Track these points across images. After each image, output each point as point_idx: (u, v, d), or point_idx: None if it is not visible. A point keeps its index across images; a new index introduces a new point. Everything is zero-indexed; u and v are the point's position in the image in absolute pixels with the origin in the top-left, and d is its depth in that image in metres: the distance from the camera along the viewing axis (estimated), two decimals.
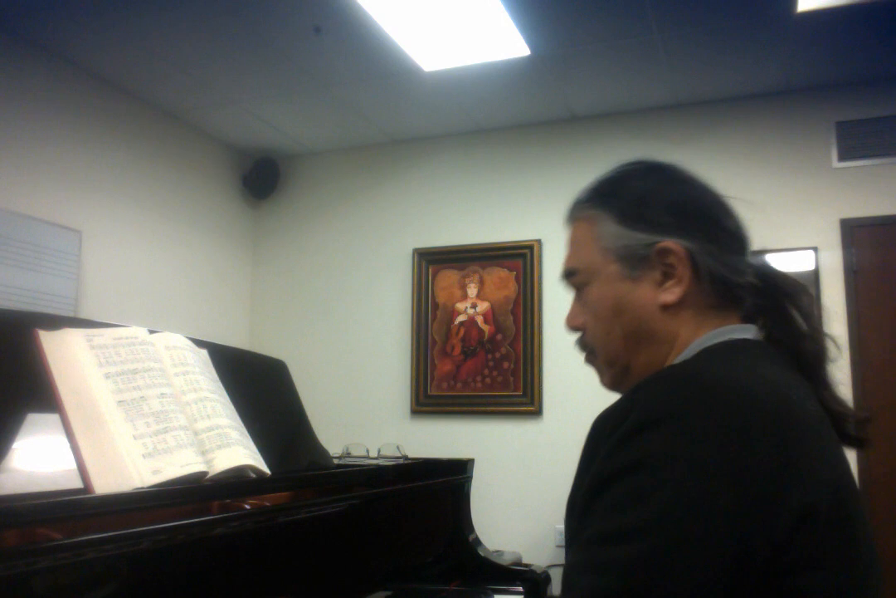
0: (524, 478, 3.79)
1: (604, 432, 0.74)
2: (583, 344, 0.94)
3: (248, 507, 1.17)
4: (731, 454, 0.66)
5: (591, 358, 0.94)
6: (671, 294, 0.84)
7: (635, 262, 0.86)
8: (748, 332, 0.85)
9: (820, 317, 0.89)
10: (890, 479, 3.30)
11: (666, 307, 0.85)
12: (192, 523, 1.00)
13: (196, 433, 1.19)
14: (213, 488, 1.15)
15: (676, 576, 0.64)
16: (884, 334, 3.40)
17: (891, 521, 3.25)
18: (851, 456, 3.62)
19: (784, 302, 0.87)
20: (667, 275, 0.85)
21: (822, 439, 0.73)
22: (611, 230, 0.87)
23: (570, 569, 0.69)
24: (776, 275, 0.89)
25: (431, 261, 4.16)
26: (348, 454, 2.12)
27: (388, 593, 1.43)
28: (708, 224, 0.86)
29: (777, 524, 0.65)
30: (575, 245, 0.93)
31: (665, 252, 0.84)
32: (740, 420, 0.68)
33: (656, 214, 0.86)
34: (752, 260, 0.89)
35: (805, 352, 0.84)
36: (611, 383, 0.93)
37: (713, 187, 0.91)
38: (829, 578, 0.68)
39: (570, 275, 0.93)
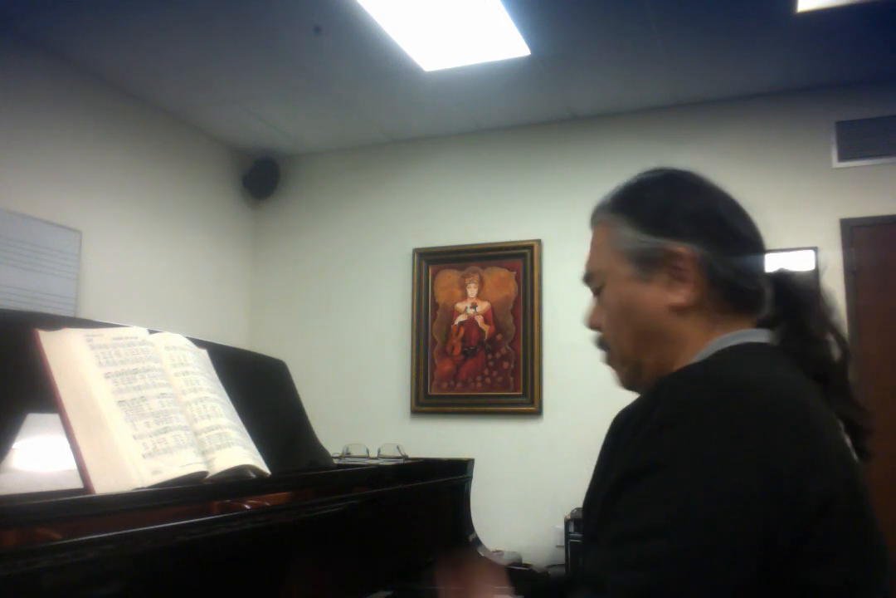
0: (524, 478, 3.79)
1: (626, 429, 0.75)
2: (601, 343, 0.97)
3: (248, 507, 1.17)
4: (754, 449, 0.68)
5: (608, 357, 0.97)
6: (679, 296, 0.87)
7: (646, 264, 0.89)
8: (762, 336, 0.87)
9: (834, 324, 0.90)
10: (890, 479, 3.29)
11: (674, 308, 0.88)
12: (192, 523, 1.00)
13: (196, 433, 1.19)
14: (213, 488, 1.15)
15: (711, 569, 0.65)
16: (884, 334, 3.40)
17: (891, 519, 3.25)
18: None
19: (798, 311, 0.89)
20: (676, 278, 0.87)
21: (835, 437, 0.76)
22: (626, 234, 0.91)
23: (601, 568, 0.69)
24: (792, 283, 0.91)
25: (431, 261, 4.16)
26: (348, 454, 2.12)
27: (388, 593, 1.43)
28: (723, 232, 0.89)
29: (799, 515, 0.67)
30: (594, 248, 0.97)
31: (674, 255, 0.87)
32: (760, 416, 0.71)
33: (672, 220, 0.89)
34: (769, 268, 0.92)
35: (818, 360, 0.86)
36: (625, 382, 0.96)
37: (731, 194, 0.94)
38: (844, 571, 0.69)
39: (588, 278, 0.97)
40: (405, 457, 2.05)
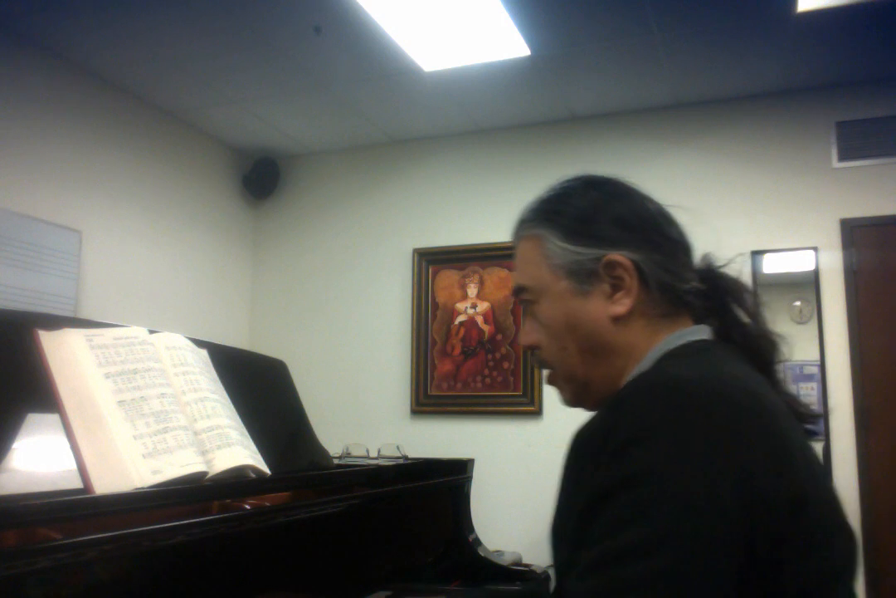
0: (524, 478, 3.79)
1: (589, 451, 0.73)
2: (540, 361, 0.94)
3: (248, 507, 1.17)
4: (724, 456, 0.67)
5: (551, 375, 0.95)
6: (621, 306, 0.86)
7: (584, 276, 0.87)
8: (704, 333, 0.87)
9: (763, 314, 0.91)
10: (890, 478, 3.29)
11: (617, 319, 0.86)
12: (192, 523, 1.00)
13: (196, 433, 1.18)
14: (213, 488, 1.15)
15: (698, 584, 0.63)
16: (884, 334, 3.40)
17: (891, 521, 3.25)
18: (851, 456, 3.60)
19: (728, 302, 0.89)
20: (616, 287, 0.86)
21: (792, 429, 0.75)
22: (558, 247, 0.88)
23: (584, 596, 0.66)
24: (719, 276, 0.91)
25: (431, 261, 4.16)
26: (348, 454, 2.12)
27: (388, 593, 1.43)
28: (652, 234, 0.88)
29: (775, 516, 0.67)
30: (523, 263, 0.93)
31: (612, 265, 0.85)
32: (724, 421, 0.69)
33: (601, 228, 0.88)
34: (697, 264, 0.92)
35: (756, 349, 0.87)
36: (572, 400, 0.94)
37: (653, 198, 0.93)
38: (819, 562, 0.69)
39: (519, 291, 0.93)
40: (405, 457, 2.05)
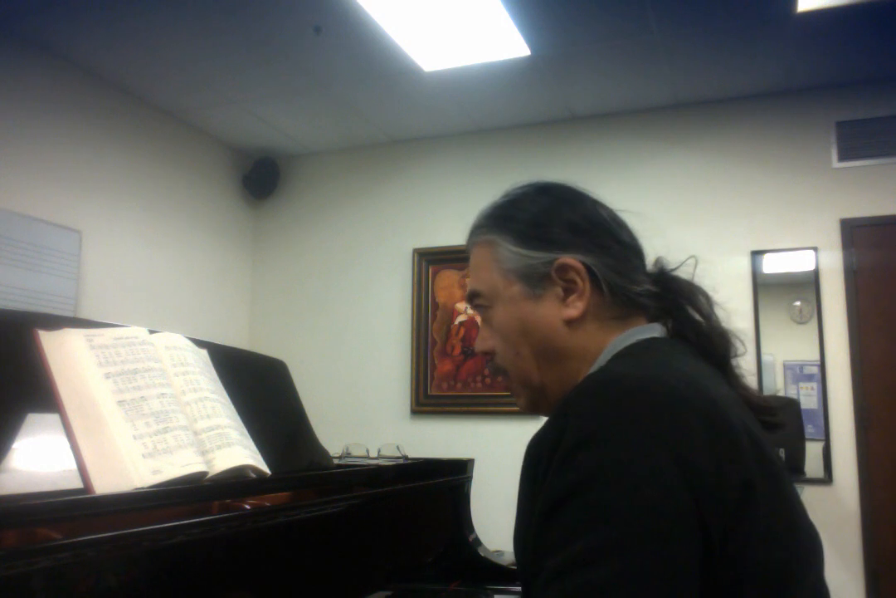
0: None
1: (541, 457, 0.73)
2: (495, 368, 0.93)
3: (248, 507, 1.17)
4: (670, 450, 0.67)
5: (507, 381, 0.94)
6: (574, 309, 0.86)
7: (536, 280, 0.87)
8: (654, 331, 0.87)
9: (717, 314, 0.91)
10: (890, 478, 3.30)
11: (570, 322, 0.86)
12: (192, 523, 1.00)
13: (196, 433, 1.18)
14: (213, 488, 1.15)
15: (661, 583, 0.64)
16: (884, 334, 3.40)
17: (891, 519, 3.25)
18: (852, 455, 3.60)
19: (682, 303, 0.89)
20: (568, 291, 0.86)
21: (743, 421, 0.75)
22: (510, 252, 0.89)
23: None
24: (672, 279, 0.92)
25: (431, 261, 4.16)
26: (348, 454, 2.12)
27: (388, 593, 1.43)
28: (603, 238, 0.88)
29: (725, 504, 0.67)
30: (476, 269, 0.94)
31: (564, 268, 0.86)
32: (670, 416, 0.69)
33: (552, 232, 0.88)
34: (649, 268, 0.92)
35: (710, 345, 0.87)
36: (528, 405, 0.93)
37: (604, 203, 0.93)
38: (772, 552, 0.69)
39: (473, 297, 0.93)
40: (405, 457, 2.05)
